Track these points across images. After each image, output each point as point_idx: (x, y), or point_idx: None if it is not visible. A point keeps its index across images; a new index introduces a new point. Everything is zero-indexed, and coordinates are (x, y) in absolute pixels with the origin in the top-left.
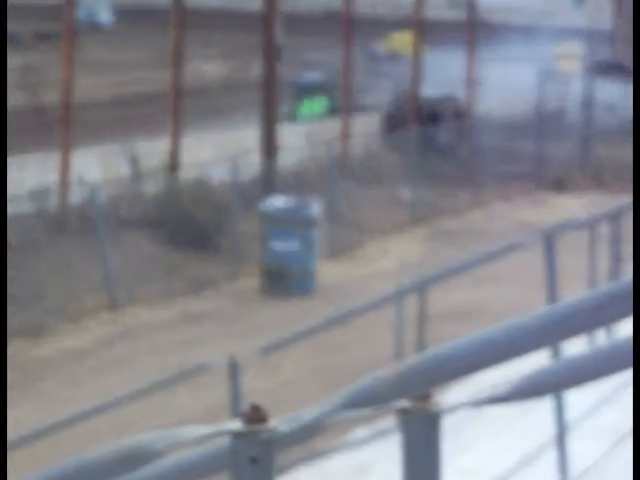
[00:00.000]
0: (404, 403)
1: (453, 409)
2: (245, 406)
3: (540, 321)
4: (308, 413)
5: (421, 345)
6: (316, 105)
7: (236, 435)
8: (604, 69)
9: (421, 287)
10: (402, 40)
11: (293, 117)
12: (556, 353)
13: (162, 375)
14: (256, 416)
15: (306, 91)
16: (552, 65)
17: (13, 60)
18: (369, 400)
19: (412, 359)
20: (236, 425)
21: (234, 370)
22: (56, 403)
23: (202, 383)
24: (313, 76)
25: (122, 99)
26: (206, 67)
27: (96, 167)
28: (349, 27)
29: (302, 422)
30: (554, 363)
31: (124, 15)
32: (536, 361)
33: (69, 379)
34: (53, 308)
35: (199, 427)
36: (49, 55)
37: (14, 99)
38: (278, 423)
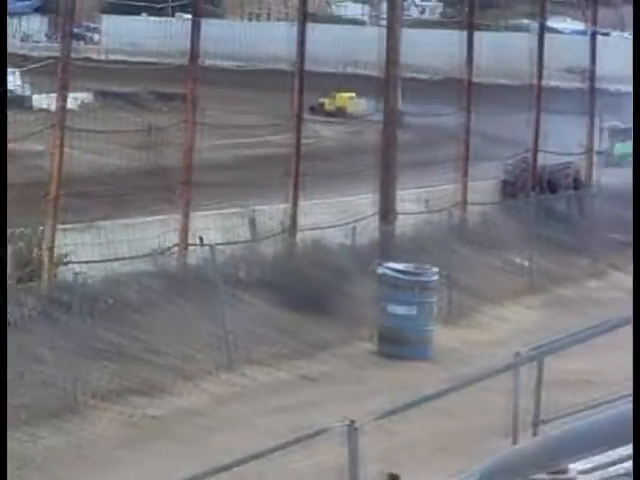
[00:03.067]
0: (542, 476)
1: None
2: (368, 471)
3: None
4: None
5: (537, 413)
6: None
7: None
8: None
9: (538, 356)
10: None
11: None
12: None
13: (277, 437)
14: None
15: None
16: None
17: (136, 121)
18: (508, 473)
19: (549, 433)
20: None
21: (352, 434)
22: (171, 462)
23: (318, 445)
24: None
25: (242, 161)
26: (324, 131)
27: (215, 228)
28: (469, 93)
29: None
30: None
31: (244, 76)
32: None
33: (184, 438)
34: (170, 367)
35: None
36: (170, 116)
37: (137, 160)
38: None
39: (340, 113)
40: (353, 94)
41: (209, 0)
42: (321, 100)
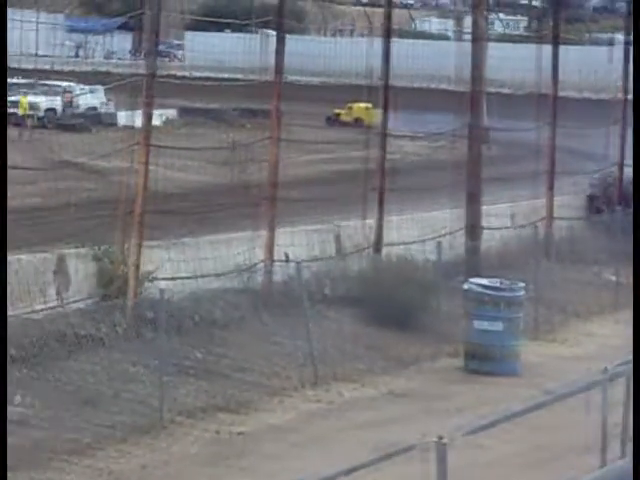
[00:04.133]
0: None
1: None
2: None
3: None
4: None
5: (625, 430)
6: None
7: None
8: None
9: (627, 372)
10: None
11: None
12: None
13: (364, 453)
14: None
15: None
16: None
17: (220, 137)
18: None
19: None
20: None
21: (441, 449)
22: (259, 479)
23: (407, 461)
24: None
25: (326, 177)
26: (408, 146)
27: (300, 244)
28: (554, 107)
29: None
30: None
31: (328, 92)
32: None
33: (271, 455)
34: (256, 383)
35: None
36: (254, 132)
37: (222, 176)
38: None
39: (357, 124)
40: (369, 104)
41: (293, 16)
42: (337, 111)
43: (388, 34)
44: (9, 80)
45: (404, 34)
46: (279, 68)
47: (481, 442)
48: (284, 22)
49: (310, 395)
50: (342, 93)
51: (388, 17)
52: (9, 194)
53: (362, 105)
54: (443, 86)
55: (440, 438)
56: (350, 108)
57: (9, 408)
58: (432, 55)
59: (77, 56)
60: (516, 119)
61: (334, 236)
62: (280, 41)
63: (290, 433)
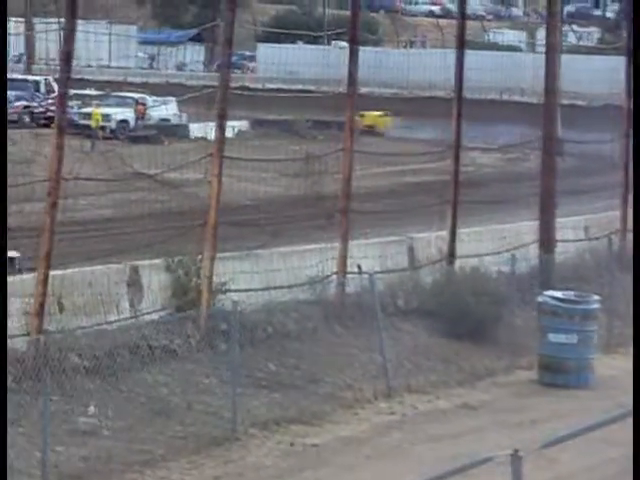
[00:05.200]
0: None
1: None
2: None
3: None
4: None
5: None
6: None
7: None
8: None
9: None
10: None
11: None
12: None
13: (437, 466)
14: None
15: None
16: None
17: (292, 149)
18: None
19: None
20: None
21: (516, 462)
22: None
23: (481, 474)
24: None
25: (399, 189)
26: (482, 158)
27: (373, 256)
28: (629, 119)
29: None
30: None
31: (401, 104)
32: None
33: (345, 467)
34: (330, 395)
35: None
36: (327, 144)
37: (294, 188)
38: None
39: (369, 131)
40: (381, 112)
41: (365, 28)
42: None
43: (461, 46)
44: (82, 92)
45: (477, 46)
46: (352, 80)
47: (556, 455)
48: (357, 34)
49: (383, 407)
50: (415, 105)
51: (461, 29)
52: (81, 204)
53: (375, 113)
54: (516, 98)
55: (516, 451)
56: (362, 115)
57: (83, 419)
58: (505, 67)
59: (152, 68)
60: (590, 131)
61: (407, 248)
62: (353, 53)
63: (364, 445)
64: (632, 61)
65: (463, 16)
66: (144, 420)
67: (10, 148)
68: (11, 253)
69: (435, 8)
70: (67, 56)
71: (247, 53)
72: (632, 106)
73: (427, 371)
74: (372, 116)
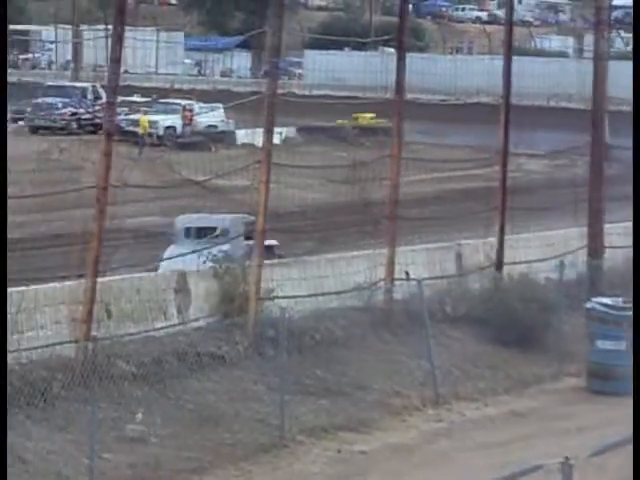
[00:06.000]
0: None
1: None
2: None
3: None
4: None
5: None
6: None
7: None
8: None
9: None
10: None
11: None
12: None
13: (487, 473)
14: None
15: None
16: None
17: (339, 156)
18: None
19: None
20: None
21: (567, 470)
22: None
23: None
24: None
25: (446, 195)
26: (529, 164)
27: (421, 263)
28: None
29: None
30: None
31: (448, 110)
32: None
33: (394, 474)
34: (378, 402)
35: None
36: (374, 150)
37: (342, 194)
38: None
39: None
40: (373, 114)
41: (412, 34)
42: (340, 121)
43: (509, 52)
44: (128, 98)
45: (524, 52)
46: (400, 86)
47: (605, 463)
48: (405, 40)
49: (431, 414)
50: (462, 111)
51: (509, 35)
52: (130, 211)
53: (367, 115)
54: (563, 104)
55: (566, 459)
56: (356, 118)
57: (131, 426)
58: (552, 73)
59: (201, 74)
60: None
61: (455, 254)
62: (401, 59)
63: (412, 452)
64: (634, 61)
65: (511, 22)
66: (192, 427)
67: (58, 155)
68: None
69: (482, 14)
70: (115, 63)
71: (294, 59)
72: (633, 107)
73: (475, 378)
74: (365, 118)
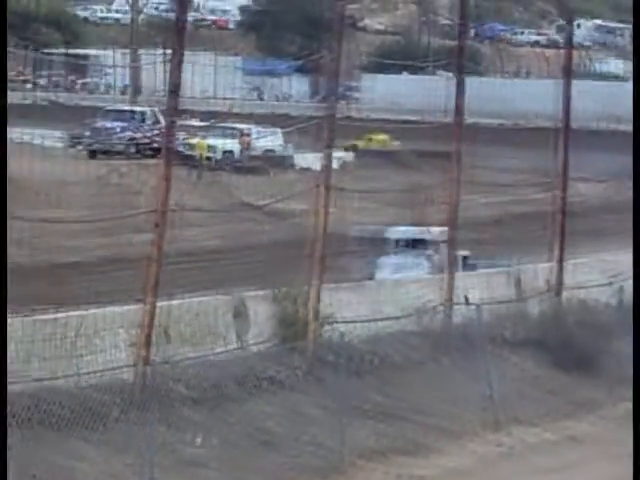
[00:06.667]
0: None
1: None
2: None
3: None
4: None
5: None
6: None
7: None
8: None
9: None
10: None
11: None
12: None
13: None
14: None
15: None
16: None
17: (397, 179)
18: None
19: None
20: None
21: None
22: None
23: None
24: None
25: (506, 219)
26: (582, 187)
27: (480, 287)
28: None
29: None
30: None
31: (506, 134)
32: None
33: None
34: (436, 427)
35: None
36: (433, 174)
37: (401, 218)
38: None
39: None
40: (386, 136)
41: (470, 58)
42: (354, 142)
43: (568, 75)
44: (187, 122)
45: (582, 75)
46: (459, 110)
47: None
48: (463, 64)
49: (491, 439)
50: (521, 135)
51: (568, 58)
52: (189, 235)
53: (381, 137)
54: (622, 127)
55: None
56: (370, 139)
57: (190, 450)
58: (610, 96)
59: (261, 99)
60: None
61: (514, 279)
62: (460, 83)
63: (471, 477)
64: (634, 61)
65: (570, 46)
66: (250, 451)
67: (118, 179)
68: None
69: (541, 38)
70: (174, 87)
71: (352, 83)
72: (633, 108)
73: (534, 403)
74: (379, 139)
